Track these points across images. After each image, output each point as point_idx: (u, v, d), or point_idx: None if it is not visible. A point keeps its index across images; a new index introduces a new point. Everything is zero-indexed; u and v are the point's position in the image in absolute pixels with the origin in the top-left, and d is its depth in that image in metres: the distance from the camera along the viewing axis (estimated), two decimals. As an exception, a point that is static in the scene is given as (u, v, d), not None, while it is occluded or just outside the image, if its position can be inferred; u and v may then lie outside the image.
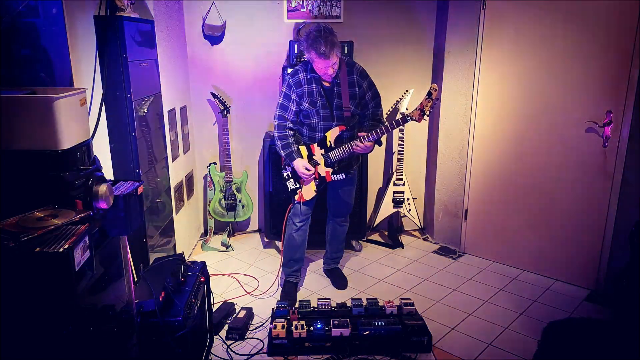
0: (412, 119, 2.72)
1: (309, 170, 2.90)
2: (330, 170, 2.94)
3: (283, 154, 2.96)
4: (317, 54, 2.65)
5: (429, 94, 2.67)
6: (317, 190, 2.99)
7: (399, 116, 2.76)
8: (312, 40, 2.65)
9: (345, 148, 2.85)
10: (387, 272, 3.59)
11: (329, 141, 2.90)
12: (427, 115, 2.73)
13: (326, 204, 3.25)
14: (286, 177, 3.04)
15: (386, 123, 2.77)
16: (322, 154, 2.92)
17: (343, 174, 2.97)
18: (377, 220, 4.04)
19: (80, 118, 1.64)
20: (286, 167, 3.02)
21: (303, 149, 2.95)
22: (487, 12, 3.45)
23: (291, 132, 2.97)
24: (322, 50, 2.62)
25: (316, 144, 2.94)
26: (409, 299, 2.88)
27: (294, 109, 2.92)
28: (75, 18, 2.18)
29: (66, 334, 1.38)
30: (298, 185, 3.00)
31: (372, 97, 2.91)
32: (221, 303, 3.03)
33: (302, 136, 3.00)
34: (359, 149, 2.81)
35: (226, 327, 2.80)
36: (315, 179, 2.96)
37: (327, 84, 2.86)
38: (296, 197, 3.01)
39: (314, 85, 2.85)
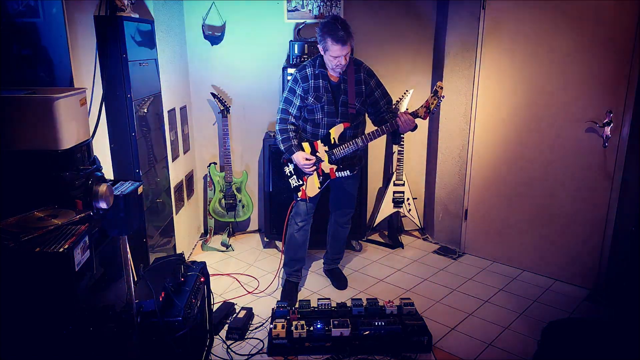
0: (418, 116, 2.71)
1: (309, 159, 2.86)
2: (335, 167, 2.91)
3: (282, 148, 2.93)
4: (333, 40, 2.63)
5: (435, 91, 2.66)
6: (320, 187, 2.95)
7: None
8: (329, 28, 2.64)
9: (350, 145, 2.84)
10: (387, 272, 3.59)
11: (333, 138, 2.88)
12: (432, 113, 2.73)
13: (328, 204, 3.24)
14: (289, 174, 2.98)
15: (392, 120, 2.75)
16: (325, 151, 2.90)
17: (347, 171, 2.95)
18: (377, 220, 4.04)
19: (80, 118, 1.64)
20: (288, 163, 2.97)
21: (306, 146, 2.92)
22: (487, 12, 3.45)
23: (293, 127, 2.95)
24: (340, 34, 2.60)
25: (319, 140, 2.91)
26: (409, 299, 2.89)
27: (297, 104, 2.90)
28: (75, 18, 2.18)
29: (66, 334, 1.38)
30: (301, 182, 2.96)
31: (382, 95, 2.90)
32: (221, 303, 3.03)
33: (306, 133, 2.97)
34: (403, 125, 2.69)
35: (226, 327, 2.80)
36: (318, 174, 2.94)
37: (334, 80, 2.85)
38: (299, 194, 2.97)
39: (320, 80, 2.84)
